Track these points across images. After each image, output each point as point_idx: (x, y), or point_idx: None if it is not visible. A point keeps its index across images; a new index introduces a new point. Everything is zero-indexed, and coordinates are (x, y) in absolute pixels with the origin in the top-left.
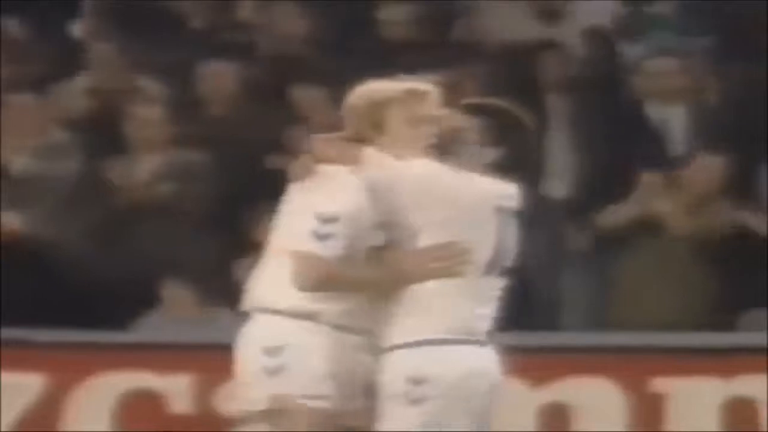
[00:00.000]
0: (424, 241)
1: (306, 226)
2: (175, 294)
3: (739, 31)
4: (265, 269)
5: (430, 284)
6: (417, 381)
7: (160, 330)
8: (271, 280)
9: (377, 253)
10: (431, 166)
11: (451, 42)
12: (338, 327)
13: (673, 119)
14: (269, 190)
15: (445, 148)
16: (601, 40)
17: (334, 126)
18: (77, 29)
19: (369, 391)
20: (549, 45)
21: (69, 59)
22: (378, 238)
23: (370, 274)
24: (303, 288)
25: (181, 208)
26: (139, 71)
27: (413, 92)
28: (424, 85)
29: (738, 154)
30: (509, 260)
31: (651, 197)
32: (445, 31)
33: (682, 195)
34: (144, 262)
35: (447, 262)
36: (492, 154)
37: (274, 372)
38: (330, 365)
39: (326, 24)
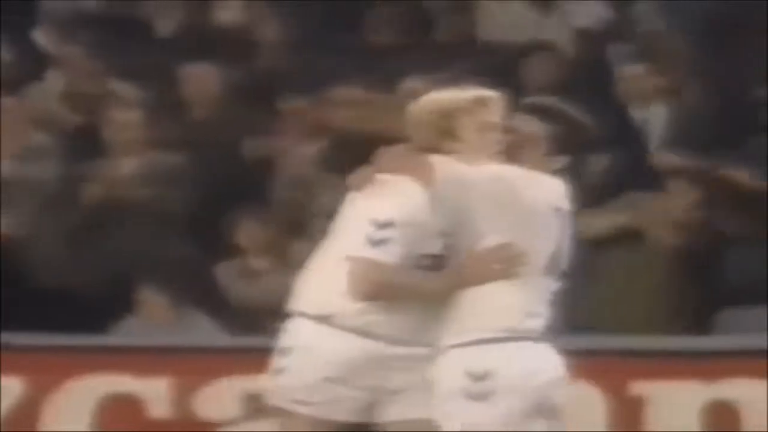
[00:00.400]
0: (489, 242)
1: (362, 232)
2: (153, 297)
3: (721, 32)
4: (313, 276)
5: (488, 285)
6: (478, 377)
7: (140, 333)
8: (314, 286)
9: (433, 261)
10: (499, 169)
11: (436, 43)
12: (357, 331)
13: (653, 120)
14: (250, 193)
15: (514, 154)
16: (589, 41)
17: (316, 127)
18: (41, 35)
19: (394, 395)
20: (537, 46)
21: (39, 63)
22: (435, 246)
23: (430, 281)
24: (360, 294)
25: (160, 212)
26: (117, 75)
27: (480, 100)
28: (489, 92)
29: (715, 154)
30: (565, 262)
31: (636, 212)
32: (431, 32)
33: (668, 210)
34: (122, 265)
35: (506, 263)
36: (560, 160)
37: (278, 372)
38: (335, 370)
39: (308, 25)
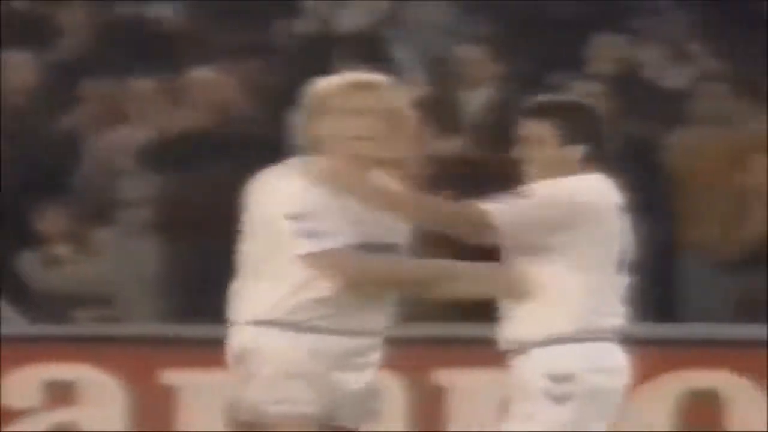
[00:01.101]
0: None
1: (282, 230)
2: None
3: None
4: (248, 282)
5: (562, 282)
6: (560, 379)
7: None
8: (250, 292)
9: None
10: (554, 185)
11: (225, 37)
12: (303, 327)
13: (474, 104)
14: (53, 181)
15: (526, 152)
16: (370, 41)
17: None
18: None
19: (358, 395)
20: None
21: None
22: (352, 238)
23: (413, 268)
24: (343, 285)
25: None
26: None
27: (357, 84)
28: (372, 77)
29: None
30: (630, 257)
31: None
32: (220, 26)
33: None
34: None
35: (513, 286)
36: (578, 150)
37: (246, 381)
38: (292, 368)
39: (108, 19)
